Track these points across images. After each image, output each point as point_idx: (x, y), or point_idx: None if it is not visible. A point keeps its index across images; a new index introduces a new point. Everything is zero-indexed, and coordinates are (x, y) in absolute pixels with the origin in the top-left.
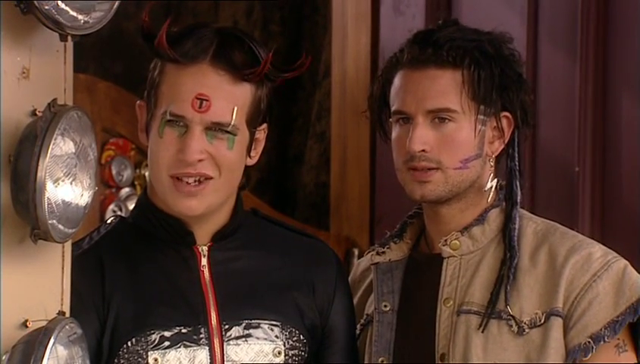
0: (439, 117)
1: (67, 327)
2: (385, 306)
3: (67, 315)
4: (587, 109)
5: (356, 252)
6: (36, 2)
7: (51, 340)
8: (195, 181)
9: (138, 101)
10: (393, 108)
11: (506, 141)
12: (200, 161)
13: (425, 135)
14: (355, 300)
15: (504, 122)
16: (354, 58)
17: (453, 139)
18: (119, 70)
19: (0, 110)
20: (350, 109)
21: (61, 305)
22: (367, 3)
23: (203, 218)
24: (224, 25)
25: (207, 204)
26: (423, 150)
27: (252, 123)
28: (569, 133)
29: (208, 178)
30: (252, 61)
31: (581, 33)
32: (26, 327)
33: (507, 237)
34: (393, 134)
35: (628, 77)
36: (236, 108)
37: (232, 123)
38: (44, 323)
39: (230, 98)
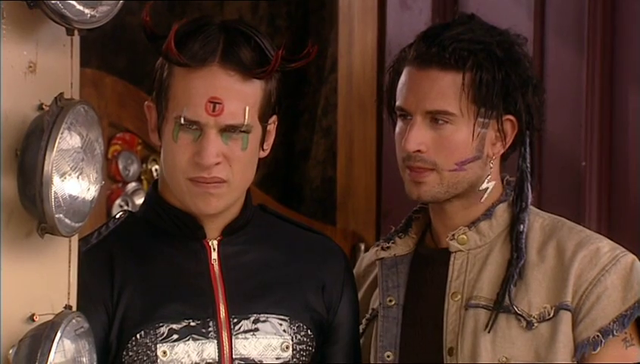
0: (436, 118)
1: (73, 321)
2: (390, 301)
3: (74, 309)
4: (594, 104)
5: (363, 247)
6: None
7: (58, 334)
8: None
9: (146, 102)
10: (396, 104)
11: (507, 145)
12: (216, 164)
13: (421, 135)
14: (359, 295)
15: (507, 125)
16: (360, 53)
17: (449, 141)
18: (122, 66)
19: (2, 104)
20: (357, 104)
21: (68, 299)
22: None
23: (216, 213)
24: (229, 19)
25: (225, 203)
26: (418, 150)
27: (265, 118)
28: (575, 128)
29: (223, 182)
30: (261, 57)
31: (589, 28)
32: (33, 321)
33: (515, 239)
34: (396, 129)
35: (635, 72)
36: (248, 108)
37: (245, 123)
38: (51, 317)
39: (241, 98)
